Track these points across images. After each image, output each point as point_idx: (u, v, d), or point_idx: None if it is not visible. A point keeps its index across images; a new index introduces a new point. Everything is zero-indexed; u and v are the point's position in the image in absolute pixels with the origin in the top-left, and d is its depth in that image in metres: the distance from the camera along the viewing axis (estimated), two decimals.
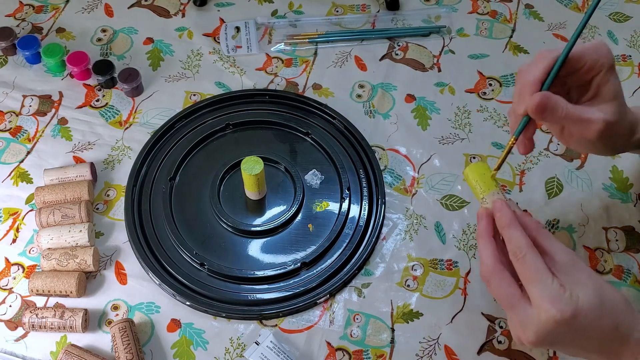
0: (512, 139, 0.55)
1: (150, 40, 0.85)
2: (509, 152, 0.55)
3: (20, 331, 0.64)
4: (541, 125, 0.76)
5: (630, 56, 0.85)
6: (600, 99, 0.53)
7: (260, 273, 0.66)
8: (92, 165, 0.72)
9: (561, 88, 0.55)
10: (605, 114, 0.52)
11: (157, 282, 0.66)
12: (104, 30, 0.86)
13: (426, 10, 0.89)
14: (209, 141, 0.76)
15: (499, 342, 0.64)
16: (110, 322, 0.64)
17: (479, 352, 0.64)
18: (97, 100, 0.80)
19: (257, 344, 0.63)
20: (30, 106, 0.79)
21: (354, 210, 0.71)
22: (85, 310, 0.64)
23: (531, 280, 0.48)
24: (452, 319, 0.65)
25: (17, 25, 0.86)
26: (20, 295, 0.66)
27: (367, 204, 0.71)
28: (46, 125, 0.78)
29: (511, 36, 0.87)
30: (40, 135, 0.77)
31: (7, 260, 0.68)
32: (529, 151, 0.56)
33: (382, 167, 0.75)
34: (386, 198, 0.72)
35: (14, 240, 0.69)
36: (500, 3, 0.90)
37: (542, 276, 0.48)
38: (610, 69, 0.53)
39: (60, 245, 0.67)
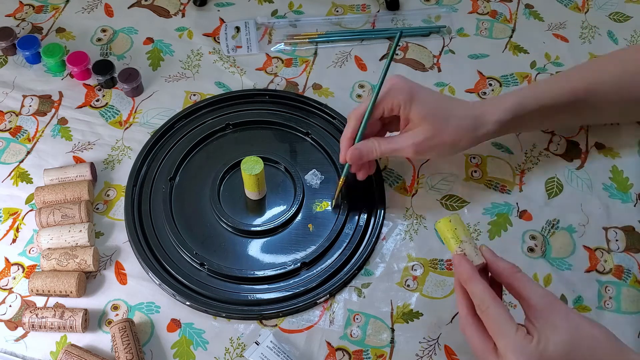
0: (342, 180, 0.68)
1: (150, 40, 0.85)
2: (340, 189, 0.69)
3: (20, 331, 0.64)
4: None
5: None
6: (412, 124, 0.64)
7: (260, 273, 0.66)
8: (92, 165, 0.72)
9: (382, 126, 0.68)
10: (414, 137, 0.63)
11: (157, 282, 0.66)
12: (104, 30, 0.86)
13: (426, 10, 0.89)
14: (209, 141, 0.76)
15: None
16: (110, 322, 0.64)
17: None
18: (97, 100, 0.80)
19: (257, 344, 0.63)
20: (30, 106, 0.79)
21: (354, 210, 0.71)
22: (85, 310, 0.64)
23: (496, 332, 0.49)
24: (452, 319, 0.65)
25: (17, 25, 0.86)
26: (20, 295, 0.66)
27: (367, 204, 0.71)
28: (46, 125, 0.78)
29: (511, 36, 0.87)
30: (40, 135, 0.77)
31: (7, 260, 0.68)
32: (364, 177, 0.68)
33: (382, 167, 0.75)
34: (386, 198, 0.72)
35: (14, 240, 0.69)
36: (500, 3, 0.90)
37: (505, 328, 0.49)
38: (408, 100, 0.63)
39: (60, 245, 0.67)
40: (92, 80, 0.81)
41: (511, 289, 0.52)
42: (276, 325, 0.65)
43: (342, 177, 0.67)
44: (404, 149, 0.63)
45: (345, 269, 0.67)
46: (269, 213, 0.71)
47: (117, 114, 0.79)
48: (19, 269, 0.68)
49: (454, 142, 0.64)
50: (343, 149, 0.65)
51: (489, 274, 0.55)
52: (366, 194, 0.72)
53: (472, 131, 0.65)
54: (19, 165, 0.75)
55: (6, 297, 0.66)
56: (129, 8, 0.89)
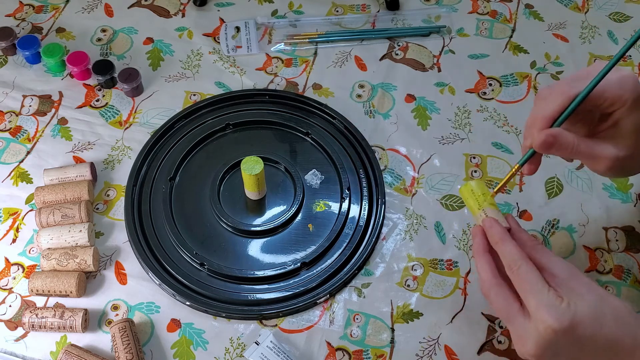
0: (516, 166, 0.55)
1: (150, 40, 0.85)
2: (511, 178, 0.55)
3: (20, 331, 0.64)
4: None
5: (630, 56, 0.85)
6: (617, 131, 0.52)
7: (260, 273, 0.66)
8: (92, 165, 0.72)
9: (579, 116, 0.54)
10: (618, 149, 0.52)
11: (157, 282, 0.66)
12: (104, 30, 0.86)
13: (426, 10, 0.89)
14: (209, 141, 0.76)
15: (499, 342, 0.64)
16: (110, 322, 0.64)
17: (479, 352, 0.64)
18: (97, 100, 0.80)
19: (257, 344, 0.63)
20: (30, 106, 0.79)
21: (354, 210, 0.71)
22: (85, 310, 0.64)
23: (527, 291, 0.48)
24: (452, 319, 0.65)
25: (17, 25, 0.86)
26: (20, 295, 0.66)
27: (367, 204, 0.71)
28: (46, 125, 0.78)
29: (511, 36, 0.87)
30: (40, 135, 0.77)
31: (7, 260, 0.68)
32: (532, 173, 0.56)
33: (382, 167, 0.75)
34: (386, 198, 0.72)
35: (13, 240, 0.69)
36: (500, 3, 0.90)
37: (537, 287, 0.48)
38: (634, 103, 0.51)
39: (60, 245, 0.67)
40: (92, 80, 0.81)
41: (533, 260, 0.51)
42: (276, 325, 0.65)
43: (516, 165, 0.55)
44: (601, 159, 0.52)
45: (345, 269, 0.67)
46: (269, 213, 0.71)
47: (117, 114, 0.79)
48: (19, 269, 0.68)
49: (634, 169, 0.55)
50: (535, 127, 0.52)
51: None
52: (366, 194, 0.72)
53: None
54: (19, 165, 0.75)
55: (6, 297, 0.66)
56: (129, 8, 0.89)
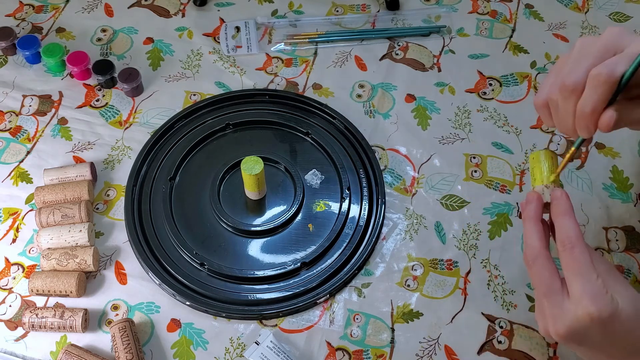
0: (572, 150, 0.52)
1: (150, 40, 0.85)
2: (569, 161, 0.53)
3: (20, 331, 0.64)
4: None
5: None
6: None
7: (260, 273, 0.66)
8: (92, 165, 0.72)
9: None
10: None
11: (157, 282, 0.66)
12: (104, 30, 0.86)
13: (426, 10, 0.89)
14: (209, 141, 0.76)
15: (499, 342, 0.64)
16: (110, 322, 0.64)
17: (479, 352, 0.64)
18: (97, 100, 0.80)
19: (257, 344, 0.63)
20: (30, 106, 0.79)
21: (354, 210, 0.71)
22: (85, 310, 0.64)
23: (575, 273, 0.46)
24: (452, 319, 0.65)
25: (17, 25, 0.86)
26: (20, 295, 0.66)
27: (367, 204, 0.71)
28: (46, 125, 0.78)
29: (511, 36, 0.87)
30: (40, 135, 0.77)
31: (7, 260, 0.68)
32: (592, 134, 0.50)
33: (382, 167, 0.75)
34: (386, 198, 0.72)
35: (13, 240, 0.69)
36: (500, 3, 0.90)
37: (587, 271, 0.46)
38: None
39: (60, 245, 0.67)
40: (92, 80, 0.81)
41: None
42: (276, 325, 0.65)
43: (572, 148, 0.52)
44: None
45: (345, 269, 0.67)
46: (269, 213, 0.71)
47: (117, 114, 0.79)
48: (19, 269, 0.68)
49: None
50: (590, 119, 0.47)
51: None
52: (366, 194, 0.72)
53: None
54: (19, 165, 0.75)
55: (6, 297, 0.66)
56: (129, 8, 0.89)
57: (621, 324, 0.45)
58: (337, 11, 0.89)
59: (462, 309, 0.66)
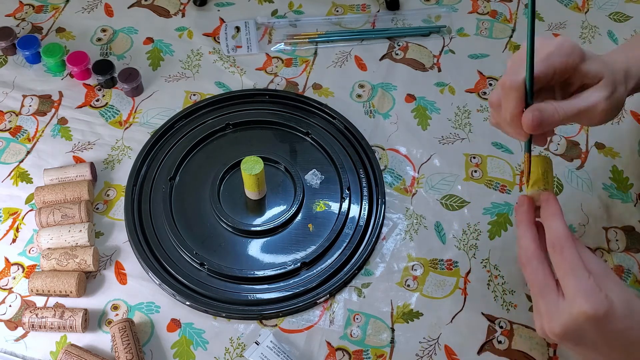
0: (526, 156, 0.54)
1: (150, 40, 0.85)
2: (529, 167, 0.54)
3: (20, 331, 0.64)
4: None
5: None
6: (587, 86, 0.52)
7: (260, 273, 0.66)
8: (92, 165, 0.72)
9: (546, 93, 0.53)
10: (602, 91, 0.50)
11: (157, 282, 0.66)
12: (104, 30, 0.86)
13: (426, 10, 0.89)
14: (209, 141, 0.76)
15: (499, 342, 0.64)
16: (110, 322, 0.64)
17: (479, 352, 0.64)
18: (97, 100, 0.80)
19: (257, 343, 0.63)
20: (30, 106, 0.79)
21: (354, 210, 0.71)
22: (85, 310, 0.64)
23: (567, 273, 0.47)
24: (452, 319, 0.65)
25: (17, 25, 0.86)
26: (20, 295, 0.66)
27: (367, 204, 0.71)
28: (46, 125, 0.78)
29: (511, 36, 0.87)
30: (40, 135, 0.77)
31: (7, 260, 0.68)
32: (546, 142, 0.56)
33: (382, 167, 0.75)
34: (386, 198, 0.72)
35: (13, 240, 0.69)
36: (500, 3, 0.90)
37: (578, 270, 0.47)
38: (582, 60, 0.51)
39: (60, 245, 0.67)
40: (92, 80, 0.81)
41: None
42: (276, 325, 0.65)
43: (525, 155, 0.55)
44: (595, 106, 0.50)
45: (345, 269, 0.67)
46: (269, 213, 0.71)
47: (117, 114, 0.79)
48: (18, 269, 0.68)
49: (621, 101, 0.53)
50: (514, 125, 0.52)
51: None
52: (366, 194, 0.72)
53: (629, 91, 0.55)
54: (19, 165, 0.75)
55: (6, 297, 0.66)
56: (129, 8, 0.89)
57: (616, 322, 0.45)
58: (337, 11, 0.89)
59: (462, 309, 0.66)
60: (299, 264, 0.67)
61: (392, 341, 0.64)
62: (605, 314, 0.45)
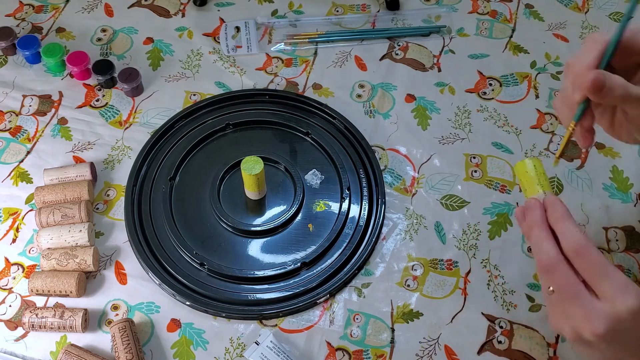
0: (572, 125, 0.52)
1: (150, 40, 0.85)
2: (569, 138, 0.53)
3: (20, 331, 0.64)
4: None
5: None
6: None
7: (260, 273, 0.66)
8: (92, 165, 0.72)
9: (618, 70, 0.51)
10: None
11: (157, 282, 0.66)
12: (104, 30, 0.86)
13: (426, 10, 0.89)
14: (209, 141, 0.76)
15: (499, 342, 0.64)
16: (110, 322, 0.64)
17: (479, 352, 0.64)
18: (97, 100, 0.80)
19: (257, 343, 0.63)
20: (30, 106, 0.79)
21: (354, 210, 0.71)
22: (85, 310, 0.64)
23: (600, 274, 0.46)
24: (452, 319, 0.65)
25: (17, 25, 0.86)
26: (20, 295, 0.66)
27: (367, 204, 0.71)
28: (46, 125, 0.78)
29: (511, 36, 0.87)
30: (40, 135, 0.77)
31: (7, 260, 0.68)
32: (589, 143, 0.53)
33: (382, 167, 0.75)
34: (386, 198, 0.72)
35: (13, 240, 0.69)
36: (500, 3, 0.90)
37: (610, 269, 0.46)
38: None
39: (60, 245, 0.67)
40: (92, 80, 0.81)
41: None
42: (276, 325, 0.65)
43: (572, 123, 0.52)
44: None
45: (345, 269, 0.67)
46: (269, 213, 0.71)
47: (117, 114, 0.79)
48: (18, 269, 0.68)
49: None
50: (581, 77, 0.49)
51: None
52: (366, 194, 0.72)
53: None
54: (19, 165, 0.75)
55: (6, 297, 0.66)
56: (129, 8, 0.89)
57: None
58: (337, 11, 0.89)
59: (462, 309, 0.66)
60: (299, 264, 0.67)
61: (392, 341, 0.64)
62: None
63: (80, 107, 0.79)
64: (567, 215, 0.49)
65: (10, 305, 0.65)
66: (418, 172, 0.75)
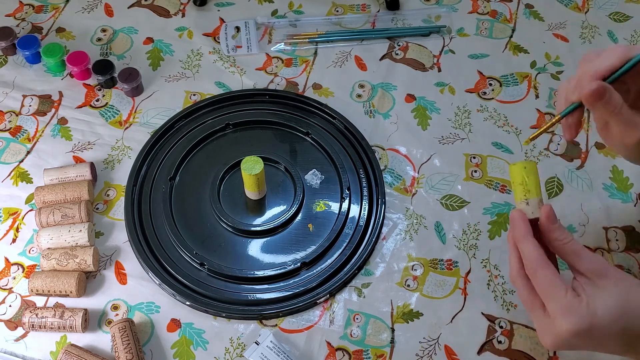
0: (557, 117, 0.55)
1: (150, 40, 0.85)
2: (550, 126, 0.56)
3: (20, 331, 0.64)
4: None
5: None
6: None
7: (260, 273, 0.66)
8: (92, 165, 0.72)
9: (620, 86, 0.53)
10: None
11: (157, 282, 0.66)
12: (104, 30, 0.86)
13: (426, 10, 0.89)
14: (209, 141, 0.76)
15: (499, 342, 0.64)
16: (110, 322, 0.64)
17: (479, 352, 0.64)
18: (97, 100, 0.80)
19: (257, 343, 0.63)
20: (30, 106, 0.79)
21: (354, 210, 0.71)
22: (85, 310, 0.64)
23: (545, 295, 0.49)
24: (452, 319, 0.65)
25: (17, 25, 0.86)
26: (20, 295, 0.66)
27: (367, 204, 0.71)
28: (46, 125, 0.78)
29: (511, 36, 0.87)
30: (40, 135, 0.77)
31: (7, 260, 0.68)
32: (573, 137, 0.56)
33: (382, 167, 0.75)
34: (386, 198, 0.72)
35: (13, 240, 0.69)
36: (500, 3, 0.90)
37: (554, 290, 0.48)
38: None
39: (60, 245, 0.67)
40: (92, 80, 0.81)
41: (563, 257, 0.51)
42: (276, 325, 0.65)
43: (558, 115, 0.55)
44: (635, 130, 0.52)
45: (345, 269, 0.67)
46: (269, 213, 0.71)
47: (117, 114, 0.79)
48: (18, 269, 0.68)
49: None
50: (585, 81, 0.51)
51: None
52: (366, 194, 0.72)
53: None
54: (19, 165, 0.75)
55: (6, 297, 0.66)
56: (129, 8, 0.89)
57: (604, 327, 0.46)
58: (337, 11, 0.89)
59: (462, 309, 0.66)
60: (299, 264, 0.67)
61: (392, 341, 0.64)
62: (589, 326, 0.46)
63: (80, 107, 0.79)
64: (526, 234, 0.51)
65: (10, 305, 0.65)
66: (418, 172, 0.75)
